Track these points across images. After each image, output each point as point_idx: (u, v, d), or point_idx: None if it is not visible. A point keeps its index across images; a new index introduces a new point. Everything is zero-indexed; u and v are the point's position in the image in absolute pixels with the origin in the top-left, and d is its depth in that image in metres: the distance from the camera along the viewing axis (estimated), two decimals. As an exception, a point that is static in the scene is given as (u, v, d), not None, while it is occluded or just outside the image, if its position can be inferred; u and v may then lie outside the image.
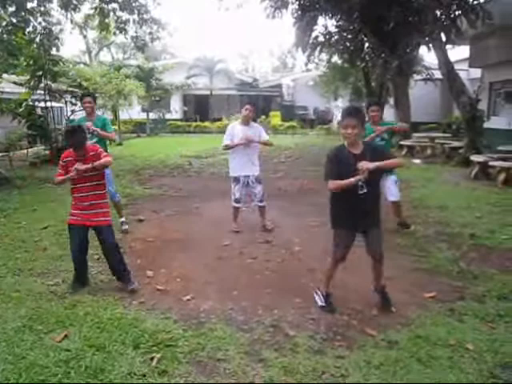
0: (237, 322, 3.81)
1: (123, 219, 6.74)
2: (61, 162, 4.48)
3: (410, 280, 4.72)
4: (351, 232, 4.00)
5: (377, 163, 3.68)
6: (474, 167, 10.91)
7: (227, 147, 6.43)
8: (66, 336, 3.50)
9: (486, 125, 13.82)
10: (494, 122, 15.91)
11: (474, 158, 11.09)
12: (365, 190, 3.78)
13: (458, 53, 19.58)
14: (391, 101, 19.52)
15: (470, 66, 18.12)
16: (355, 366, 3.15)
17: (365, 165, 3.64)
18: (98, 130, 6.28)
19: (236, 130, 6.40)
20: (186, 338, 3.49)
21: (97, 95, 19.27)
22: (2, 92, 12.70)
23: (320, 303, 4.11)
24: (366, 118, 6.00)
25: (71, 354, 3.24)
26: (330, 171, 3.87)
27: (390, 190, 6.22)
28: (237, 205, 6.60)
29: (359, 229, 3.99)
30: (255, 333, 3.61)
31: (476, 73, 18.42)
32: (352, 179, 3.69)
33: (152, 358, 3.20)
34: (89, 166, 4.31)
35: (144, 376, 3.01)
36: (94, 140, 6.26)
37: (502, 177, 9.76)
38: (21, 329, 3.63)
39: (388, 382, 2.98)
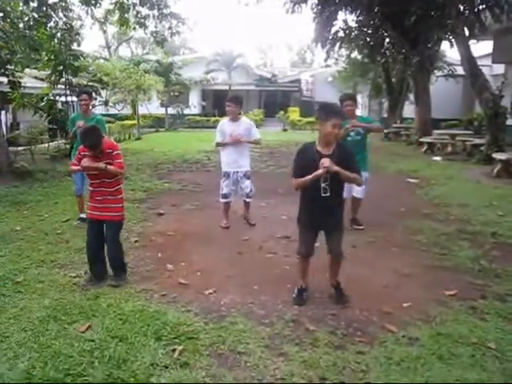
0: (257, 316, 3.83)
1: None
2: (78, 154, 4.52)
3: (431, 277, 4.68)
4: (312, 231, 4.10)
5: (338, 168, 3.64)
6: (496, 165, 10.74)
7: (218, 145, 6.52)
8: (89, 327, 3.56)
9: (508, 122, 13.59)
10: (517, 119, 15.63)
11: (497, 155, 10.91)
12: (328, 194, 3.79)
13: (481, 48, 19.27)
14: (411, 97, 19.33)
15: (494, 62, 17.83)
16: (376, 361, 3.14)
17: (326, 163, 3.60)
18: None
19: (224, 126, 6.42)
20: (207, 331, 3.52)
21: (116, 90, 19.59)
22: (24, 87, 12.84)
23: (292, 295, 4.16)
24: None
25: (95, 345, 3.30)
26: (295, 169, 3.90)
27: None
28: (223, 200, 6.63)
29: (320, 229, 4.09)
30: (275, 327, 3.62)
31: (499, 68, 18.10)
32: (310, 176, 3.70)
33: (174, 350, 3.23)
34: (100, 165, 4.28)
35: (166, 367, 3.05)
36: None
37: (525, 175, 9.61)
38: (45, 319, 3.71)
39: (409, 379, 2.97)
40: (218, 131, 6.49)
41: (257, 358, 3.18)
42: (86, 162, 4.29)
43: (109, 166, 4.31)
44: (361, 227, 6.35)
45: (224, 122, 6.51)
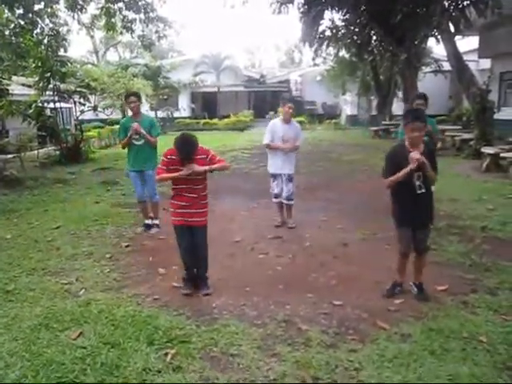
0: (249, 317, 3.83)
1: (157, 221, 6.59)
2: (164, 159, 4.25)
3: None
4: (410, 228, 4.11)
5: (425, 161, 3.79)
6: (485, 159, 10.83)
7: (268, 146, 6.46)
8: (81, 333, 3.55)
9: (496, 116, 13.71)
10: (505, 113, 15.78)
11: (485, 149, 11.00)
12: (423, 190, 3.92)
13: (467, 43, 19.41)
14: (400, 94, 19.42)
15: (480, 57, 17.97)
16: (368, 359, 3.16)
17: (416, 155, 3.76)
18: (145, 132, 6.16)
19: (277, 127, 6.38)
20: (200, 334, 3.51)
21: (105, 95, 19.51)
22: (12, 94, 12.80)
23: (386, 287, 4.27)
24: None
25: (87, 351, 3.28)
26: (387, 169, 4.03)
27: None
28: (276, 200, 6.68)
29: (416, 226, 4.09)
30: (268, 328, 3.62)
31: (486, 63, 18.25)
32: (403, 171, 3.82)
33: (166, 354, 3.23)
34: (206, 168, 4.17)
35: (159, 372, 3.04)
36: (142, 141, 6.23)
37: (513, 168, 9.67)
38: (37, 327, 3.68)
39: (401, 376, 2.98)
40: (269, 131, 6.39)
41: (249, 359, 3.18)
42: (192, 168, 4.08)
43: (215, 165, 4.22)
44: None
45: (276, 123, 6.45)
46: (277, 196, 6.63)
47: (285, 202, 6.62)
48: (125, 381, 2.96)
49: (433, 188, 5.81)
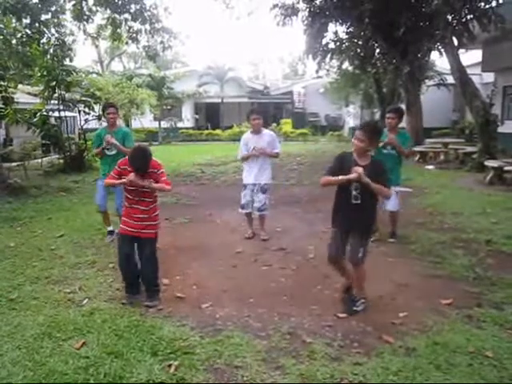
0: (253, 329, 3.81)
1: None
2: (117, 168, 4.40)
3: (426, 287, 4.68)
4: (342, 232, 4.17)
5: (368, 180, 3.83)
6: (488, 172, 10.82)
7: (243, 159, 6.52)
8: (84, 343, 3.53)
9: (499, 129, 13.72)
10: (508, 127, 15.81)
11: (489, 163, 10.99)
12: (358, 201, 3.97)
13: (471, 57, 19.50)
14: (403, 106, 19.46)
15: (483, 71, 18.04)
16: (373, 372, 3.13)
17: (359, 170, 3.83)
18: (117, 144, 6.23)
19: (247, 140, 6.48)
20: (203, 346, 3.49)
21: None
22: (18, 102, 12.90)
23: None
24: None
25: (90, 361, 3.26)
26: (329, 168, 4.13)
27: (390, 200, 6.03)
28: (242, 211, 6.67)
29: (348, 230, 4.15)
30: (272, 340, 3.60)
31: (489, 77, 18.32)
32: (340, 177, 3.92)
33: (170, 366, 3.20)
34: (146, 183, 4.22)
35: (162, 383, 3.02)
36: (113, 152, 6.29)
37: (517, 182, 9.67)
38: (40, 336, 3.67)
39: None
40: (243, 145, 6.50)
41: (253, 371, 3.15)
42: (132, 177, 4.16)
43: (155, 184, 4.28)
44: (391, 240, 6.31)
45: (246, 136, 6.55)
46: (243, 207, 6.62)
47: (256, 213, 6.59)
48: (128, 392, 2.94)
49: (392, 202, 5.94)
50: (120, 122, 6.34)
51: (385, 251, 5.82)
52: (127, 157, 4.27)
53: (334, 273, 5.06)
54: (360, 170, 3.82)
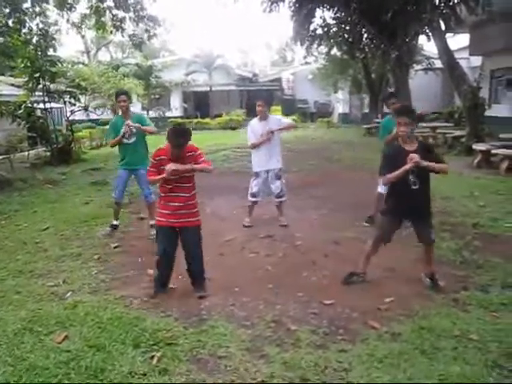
0: (238, 318, 3.77)
1: (153, 222, 6.25)
2: (153, 161, 4.19)
3: (413, 271, 4.65)
4: (397, 220, 4.31)
5: (427, 163, 3.94)
6: (476, 156, 10.84)
7: (254, 145, 6.41)
8: (66, 337, 3.47)
9: (487, 113, 13.74)
10: (496, 110, 15.83)
11: (477, 146, 11.01)
12: (417, 186, 4.02)
13: (458, 41, 19.44)
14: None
15: (471, 54, 18.02)
16: (358, 359, 3.11)
17: (414, 156, 3.88)
18: (139, 125, 6.03)
19: (255, 127, 6.40)
20: (187, 336, 3.45)
21: (96, 94, 19.41)
22: (1, 94, 12.67)
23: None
24: (390, 110, 6.00)
25: (71, 355, 3.21)
26: (384, 166, 4.24)
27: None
28: (252, 199, 6.56)
29: (408, 219, 4.33)
30: (257, 329, 3.57)
31: (477, 61, 18.31)
32: (400, 170, 3.95)
33: (152, 357, 3.16)
34: (187, 167, 4.05)
35: (144, 375, 2.98)
36: (133, 140, 6.13)
37: (504, 165, 9.70)
38: (21, 331, 3.60)
39: (391, 376, 2.93)
40: (251, 132, 6.41)
41: (237, 361, 3.12)
42: (174, 166, 3.96)
43: (197, 165, 4.11)
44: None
45: (254, 123, 6.46)
46: (254, 195, 6.52)
47: (276, 200, 6.55)
48: (110, 385, 2.89)
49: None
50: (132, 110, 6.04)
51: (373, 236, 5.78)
52: (168, 133, 4.02)
53: (322, 260, 5.07)
54: (415, 156, 3.88)
